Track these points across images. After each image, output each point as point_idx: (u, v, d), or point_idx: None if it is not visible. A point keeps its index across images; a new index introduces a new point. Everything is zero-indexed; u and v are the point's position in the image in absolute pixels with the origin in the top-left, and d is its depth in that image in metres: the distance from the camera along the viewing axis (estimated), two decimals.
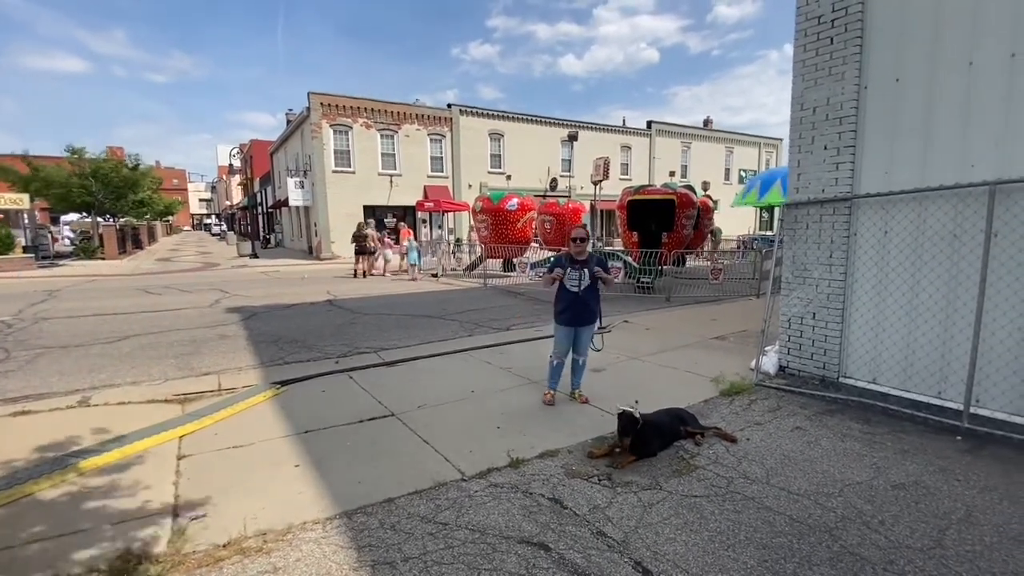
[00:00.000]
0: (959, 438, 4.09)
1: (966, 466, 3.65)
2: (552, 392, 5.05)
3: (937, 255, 4.51)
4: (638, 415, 3.82)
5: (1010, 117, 4.08)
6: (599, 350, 5.66)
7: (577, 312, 4.88)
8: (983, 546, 2.75)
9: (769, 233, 23.00)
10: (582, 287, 4.81)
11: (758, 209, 31.86)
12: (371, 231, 17.84)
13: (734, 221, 32.71)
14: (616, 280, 12.62)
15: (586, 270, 4.81)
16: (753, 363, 5.85)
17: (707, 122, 40.76)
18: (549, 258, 11.94)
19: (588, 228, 8.70)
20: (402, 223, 22.29)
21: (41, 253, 22.79)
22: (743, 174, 39.46)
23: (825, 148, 5.24)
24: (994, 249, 4.15)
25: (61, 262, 22.76)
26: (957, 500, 3.21)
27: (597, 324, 5.08)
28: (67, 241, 31.63)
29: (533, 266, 15.11)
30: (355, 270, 17.32)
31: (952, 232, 4.43)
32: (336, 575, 2.56)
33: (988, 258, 4.12)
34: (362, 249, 17.26)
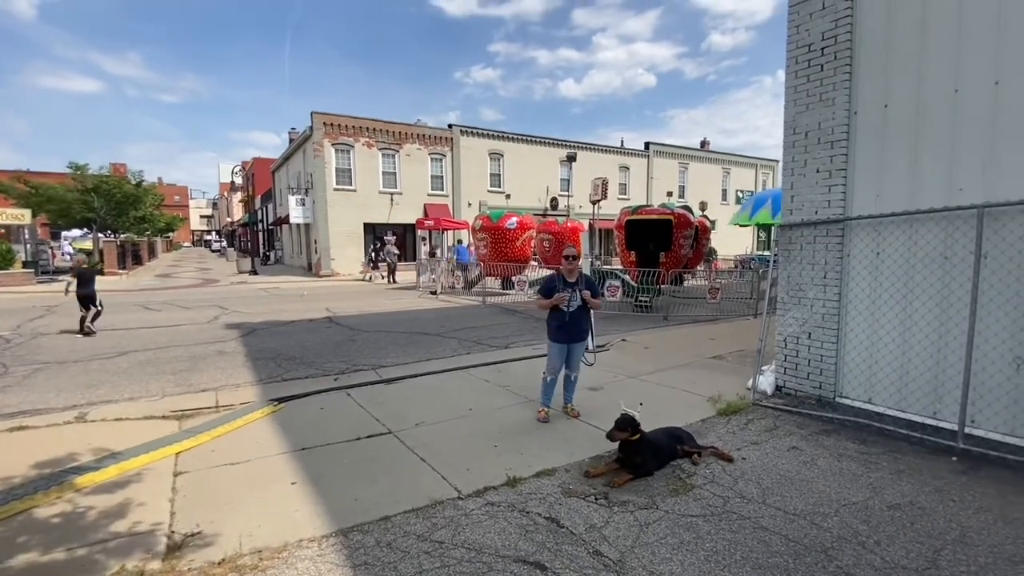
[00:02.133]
0: (954, 458, 4.10)
1: (961, 487, 3.66)
2: (546, 409, 5.08)
3: (928, 276, 4.58)
4: (637, 416, 3.91)
5: (996, 142, 4.19)
6: (591, 364, 5.74)
7: (570, 330, 4.97)
8: (978, 567, 2.75)
9: (767, 253, 23.14)
10: (573, 307, 4.90)
11: (755, 229, 32.09)
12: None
13: (732, 241, 32.93)
14: (614, 298, 12.68)
15: (577, 291, 4.91)
16: (750, 383, 5.88)
17: (704, 143, 41.32)
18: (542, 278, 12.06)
19: (584, 247, 8.81)
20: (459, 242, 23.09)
21: (41, 268, 22.82)
22: (740, 195, 39.84)
23: (817, 171, 5.35)
24: (984, 271, 4.22)
25: (61, 277, 22.77)
26: (952, 521, 3.21)
27: (589, 340, 5.17)
28: (67, 256, 31.69)
29: (532, 284, 15.19)
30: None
31: (943, 254, 4.51)
32: None
33: (979, 279, 4.18)
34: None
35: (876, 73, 4.93)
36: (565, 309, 4.90)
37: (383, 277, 22.14)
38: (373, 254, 23.45)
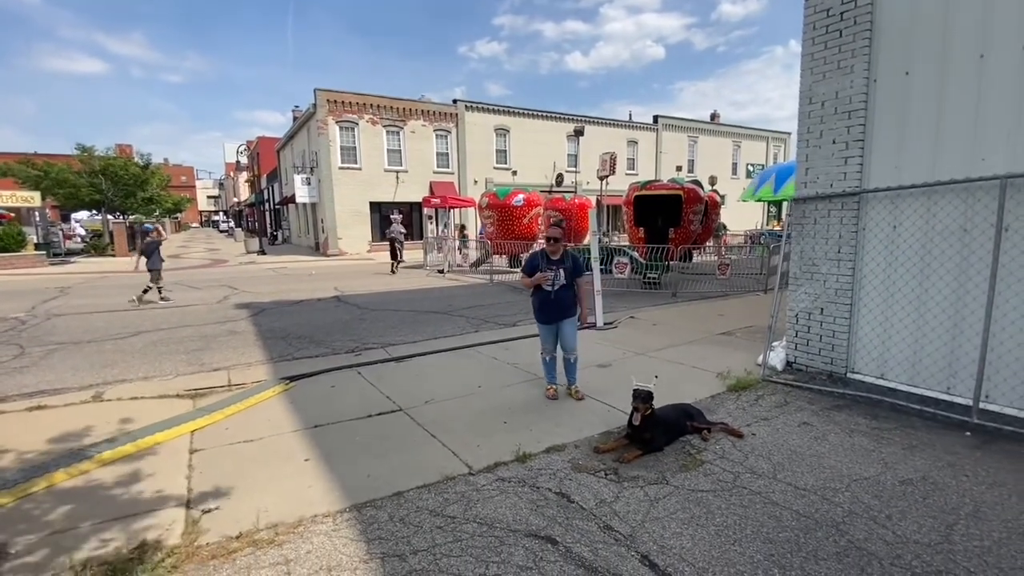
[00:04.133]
0: (968, 434, 4.07)
1: (975, 462, 3.64)
2: (553, 387, 5.08)
3: (947, 250, 4.48)
4: (653, 389, 3.90)
5: (1022, 110, 4.03)
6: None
7: (552, 310, 4.91)
8: (991, 541, 2.74)
9: (777, 228, 22.83)
10: (556, 286, 4.83)
11: (766, 204, 31.64)
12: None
13: (741, 216, 32.52)
14: (622, 275, 12.60)
15: (561, 270, 4.83)
16: (760, 358, 5.84)
17: (714, 116, 40.46)
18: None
19: (592, 224, 8.70)
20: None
21: (53, 250, 23.03)
22: (751, 168, 39.15)
23: (833, 142, 5.20)
24: (1005, 244, 4.11)
25: (72, 259, 23.02)
26: (965, 495, 3.20)
27: (578, 315, 5.06)
28: (78, 238, 31.97)
29: None
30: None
31: (962, 227, 4.39)
32: (346, 567, 2.60)
33: (999, 252, 4.08)
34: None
35: (898, 39, 4.73)
36: (549, 288, 4.84)
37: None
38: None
